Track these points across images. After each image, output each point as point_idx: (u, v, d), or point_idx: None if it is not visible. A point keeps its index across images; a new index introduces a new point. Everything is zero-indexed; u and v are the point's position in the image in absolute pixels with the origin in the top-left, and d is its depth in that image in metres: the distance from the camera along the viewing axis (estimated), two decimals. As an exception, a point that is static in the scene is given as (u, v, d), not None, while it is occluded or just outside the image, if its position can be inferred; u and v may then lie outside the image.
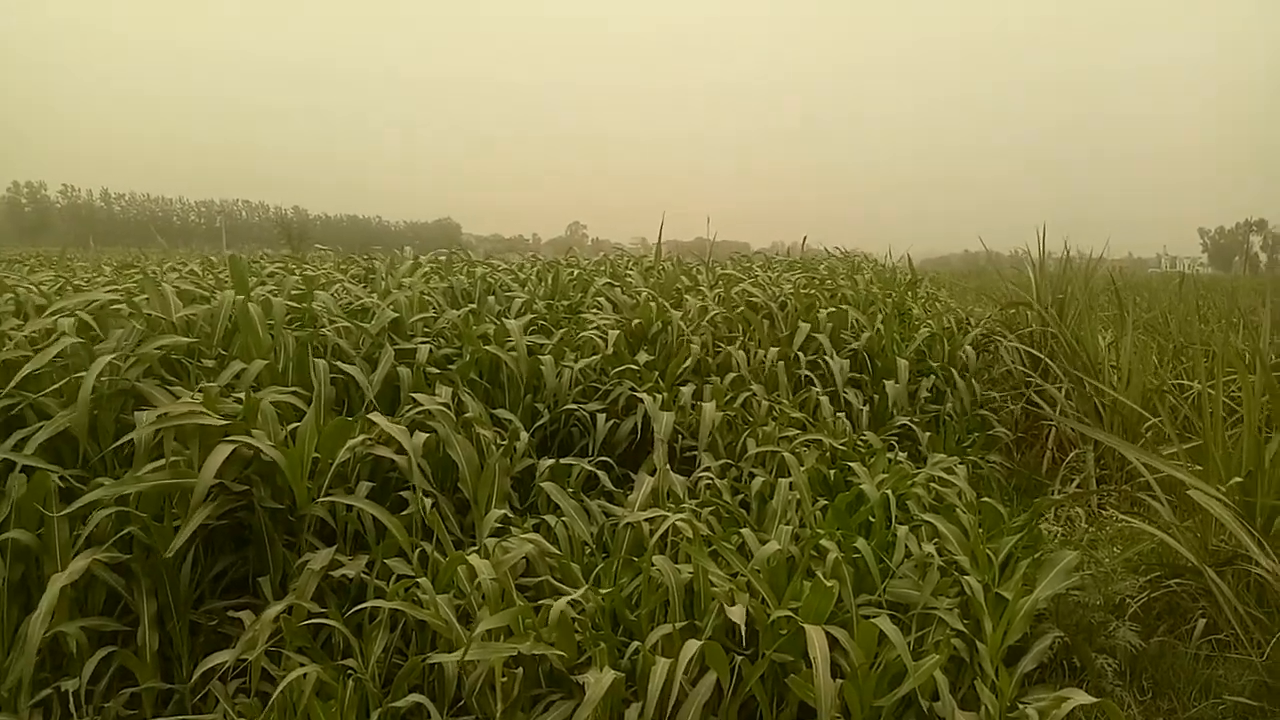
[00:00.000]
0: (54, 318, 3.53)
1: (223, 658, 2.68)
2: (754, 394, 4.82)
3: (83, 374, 3.14)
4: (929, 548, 3.18)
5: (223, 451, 2.86)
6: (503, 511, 3.30)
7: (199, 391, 3.30)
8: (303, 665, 2.59)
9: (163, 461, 2.99)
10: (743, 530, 3.19)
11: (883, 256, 11.49)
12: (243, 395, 3.32)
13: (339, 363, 3.93)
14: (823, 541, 3.09)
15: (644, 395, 4.38)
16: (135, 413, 3.13)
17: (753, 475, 3.98)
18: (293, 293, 4.64)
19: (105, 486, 2.87)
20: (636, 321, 5.29)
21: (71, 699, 2.74)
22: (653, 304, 5.50)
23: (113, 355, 3.24)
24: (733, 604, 2.69)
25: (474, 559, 2.74)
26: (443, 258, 7.79)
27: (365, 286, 5.64)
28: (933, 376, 5.96)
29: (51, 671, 2.82)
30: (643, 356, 4.91)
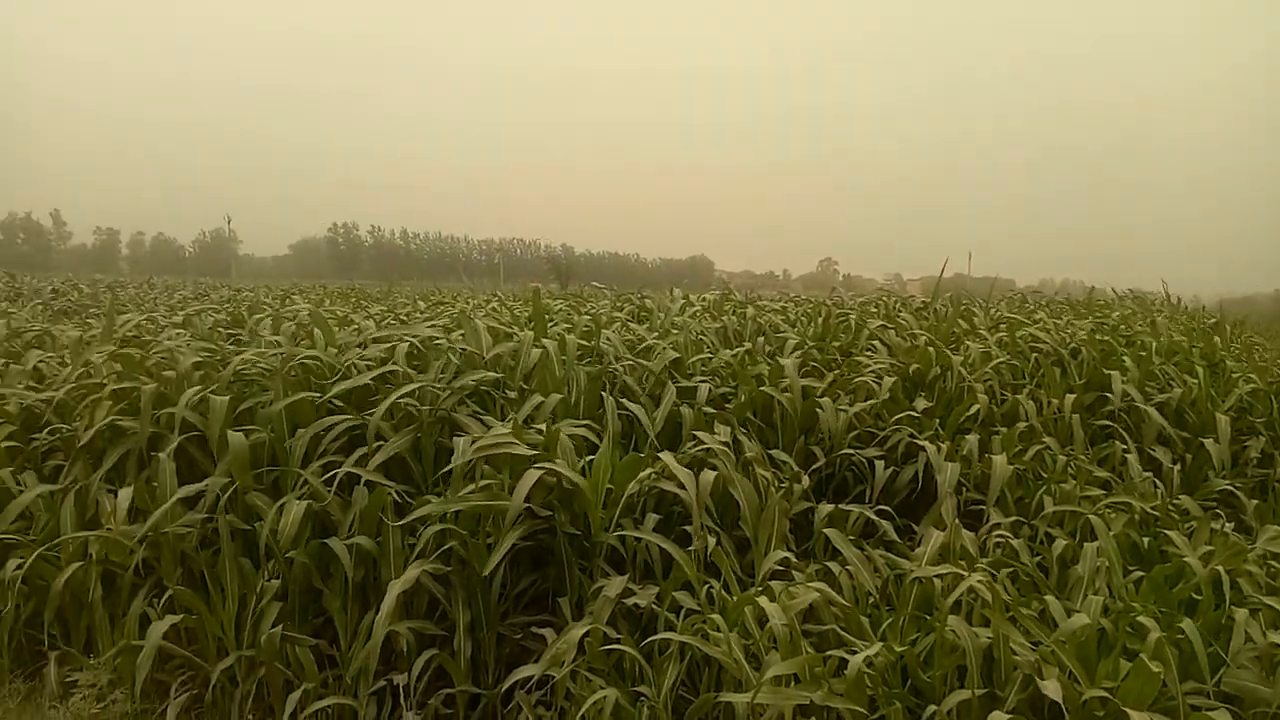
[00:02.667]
0: (389, 350, 4.00)
1: (530, 671, 2.89)
2: (1046, 447, 4.50)
3: (413, 403, 3.54)
4: (1275, 637, 2.79)
5: (531, 477, 3.10)
6: (784, 554, 3.30)
7: (507, 420, 3.61)
8: (602, 687, 2.73)
9: (477, 484, 3.29)
10: (1047, 598, 2.97)
11: (1164, 295, 10.39)
12: (543, 426, 3.59)
13: (624, 400, 4.14)
14: (1141, 618, 2.81)
15: (925, 443, 4.22)
16: (453, 438, 3.49)
17: (1049, 536, 3.71)
18: (582, 330, 4.97)
19: (433, 504, 3.21)
20: (915, 366, 5.12)
21: (401, 692, 3.08)
22: (930, 348, 5.30)
23: (438, 386, 3.62)
24: (1040, 676, 2.52)
25: (764, 602, 2.77)
26: (711, 297, 8.00)
27: (645, 325, 5.91)
28: (1259, 437, 5.25)
29: (382, 665, 3.18)
30: (921, 403, 4.74)
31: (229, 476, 3.49)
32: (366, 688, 3.10)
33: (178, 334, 5.13)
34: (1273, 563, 3.45)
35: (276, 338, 4.44)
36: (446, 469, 3.50)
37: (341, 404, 3.87)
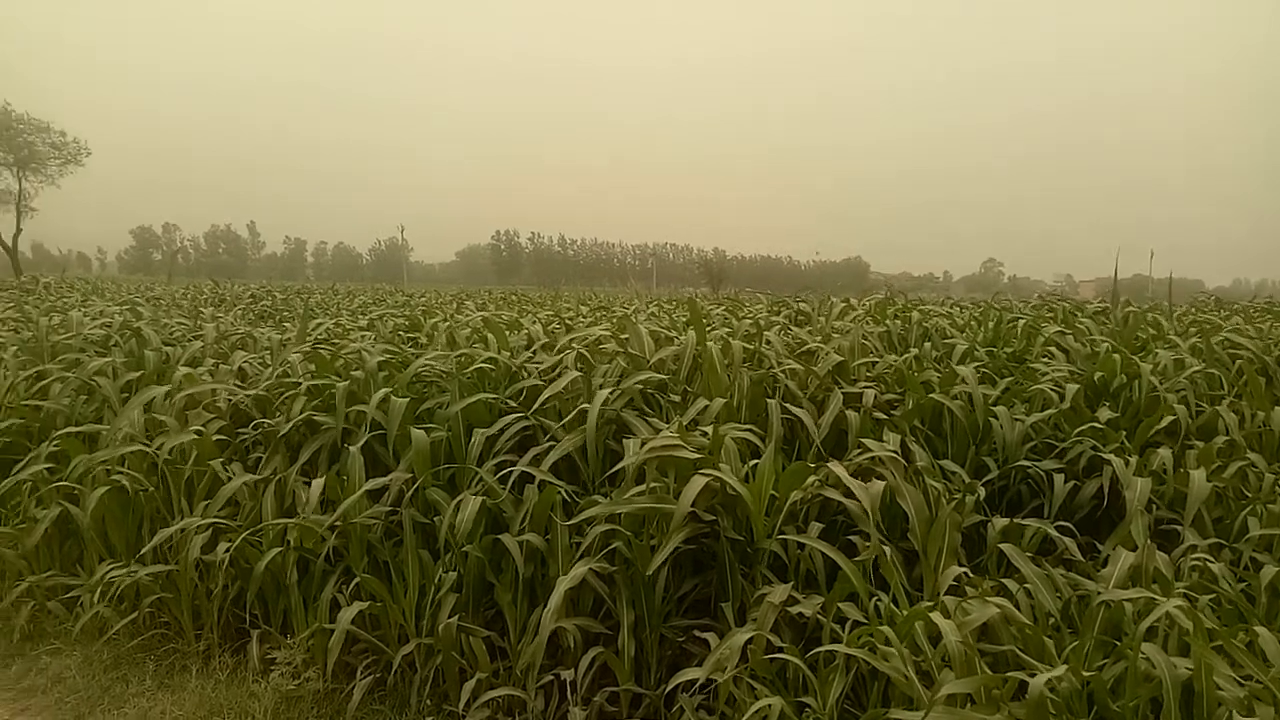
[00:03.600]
0: (559, 354, 4.13)
1: (693, 674, 2.90)
2: (1251, 464, 4.11)
3: (585, 405, 3.64)
4: None
5: (698, 483, 3.12)
6: (961, 569, 3.17)
7: (672, 423, 3.64)
8: (766, 695, 2.72)
9: (644, 487, 3.35)
10: (1255, 628, 2.72)
11: None
12: (708, 429, 3.60)
13: (787, 404, 4.10)
14: (1371, 657, 2.52)
15: (1110, 457, 3.95)
16: (622, 440, 3.56)
17: (1255, 561, 3.40)
18: (742, 334, 4.96)
19: (601, 505, 3.28)
20: (1100, 374, 4.81)
21: (568, 687, 3.17)
22: (1115, 355, 4.96)
23: (607, 390, 3.70)
24: (1251, 713, 2.31)
25: (937, 617, 2.67)
26: (872, 300, 7.80)
27: (805, 328, 5.84)
28: None
29: (549, 660, 3.28)
30: (1105, 413, 4.45)
31: (410, 472, 3.70)
32: (534, 681, 3.21)
33: (363, 336, 5.48)
34: None
35: (452, 342, 4.66)
36: (613, 469, 3.59)
37: (514, 404, 4.03)
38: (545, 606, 3.15)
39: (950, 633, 2.58)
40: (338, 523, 3.58)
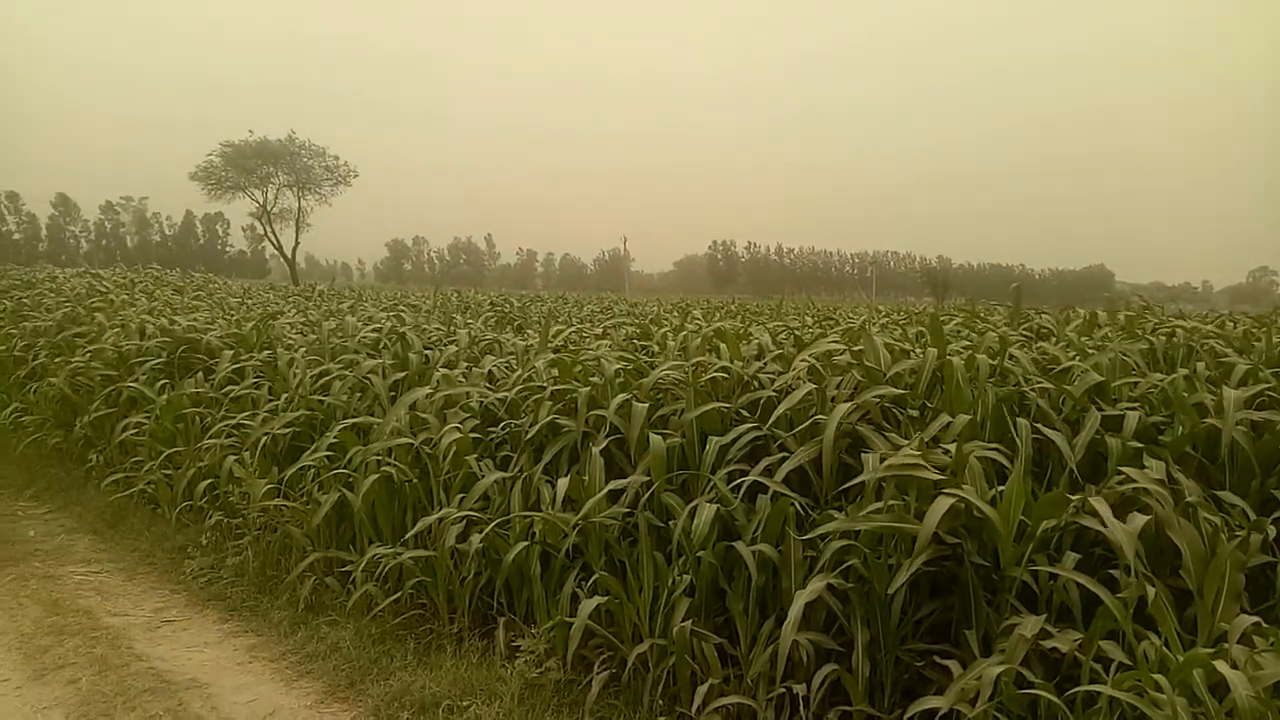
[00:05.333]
0: (794, 367, 4.12)
1: (936, 703, 2.79)
2: None
3: (820, 416, 3.61)
4: None
5: (943, 504, 3.00)
6: (1254, 620, 2.84)
7: (912, 439, 3.53)
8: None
9: (882, 504, 3.26)
10: None
11: None
12: (950, 447, 3.45)
13: (1038, 424, 3.85)
14: None
15: None
16: (860, 455, 3.49)
17: None
18: (985, 348, 4.71)
19: (838, 520, 3.24)
20: None
21: (800, 702, 3.15)
22: None
23: (847, 404, 3.65)
24: None
25: (1223, 666, 2.41)
26: (1129, 313, 7.16)
27: (1052, 343, 5.46)
28: None
29: (781, 672, 3.26)
30: None
31: (647, 475, 3.83)
32: (766, 692, 3.21)
33: (600, 344, 5.73)
34: None
35: (685, 350, 4.77)
36: (847, 485, 3.53)
37: (746, 414, 4.06)
38: (777, 617, 3.15)
39: (1240, 685, 2.32)
40: (579, 521, 3.76)
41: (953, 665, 2.96)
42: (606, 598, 3.57)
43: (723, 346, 4.59)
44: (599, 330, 6.86)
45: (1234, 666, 2.45)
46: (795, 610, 3.02)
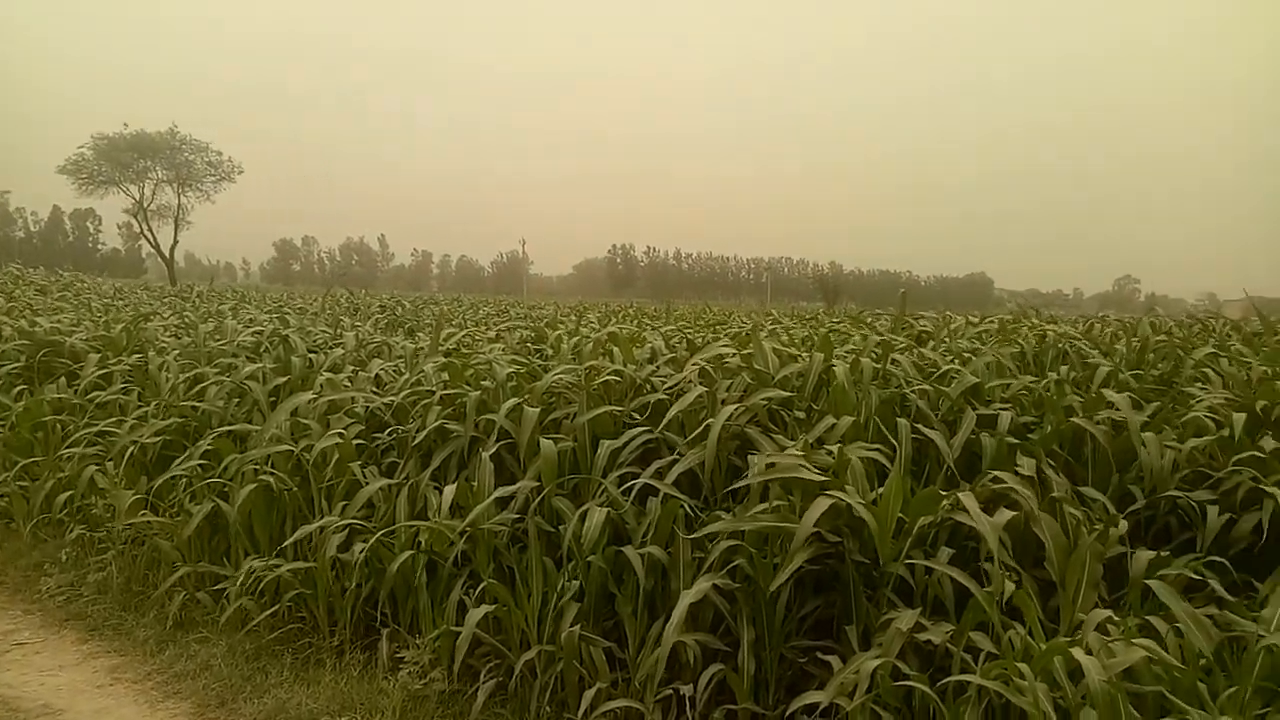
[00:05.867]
0: (687, 372, 4.15)
1: (817, 697, 2.86)
2: None
3: (710, 419, 3.64)
4: None
5: (822, 504, 3.07)
6: (1099, 604, 3.01)
7: (797, 441, 3.60)
8: (893, 724, 2.64)
9: (768, 505, 3.32)
10: None
11: None
12: (834, 448, 3.54)
13: (918, 425, 3.99)
14: None
15: (1273, 490, 3.67)
16: (747, 456, 3.54)
17: None
18: (872, 352, 4.86)
19: (725, 521, 3.28)
20: (1263, 403, 4.48)
21: (687, 703, 3.17)
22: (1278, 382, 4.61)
23: (733, 406, 3.70)
24: None
25: (1079, 653, 2.54)
26: (1004, 318, 7.52)
27: (932, 345, 5.68)
28: None
29: (667, 673, 3.28)
30: (1269, 443, 4.13)
31: (537, 480, 3.79)
32: (653, 694, 3.21)
33: (492, 348, 5.66)
34: None
35: (578, 354, 4.75)
36: (735, 485, 3.57)
37: (638, 417, 4.07)
38: (666, 620, 3.16)
39: (1094, 671, 2.45)
40: (467, 528, 3.69)
41: (834, 660, 3.03)
42: (494, 605, 3.51)
43: (616, 350, 4.59)
44: (492, 333, 6.77)
45: (1089, 653, 2.59)
46: (679, 611, 3.04)
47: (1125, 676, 2.76)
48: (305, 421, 4.65)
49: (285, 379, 5.54)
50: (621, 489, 3.67)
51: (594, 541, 3.41)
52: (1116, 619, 2.98)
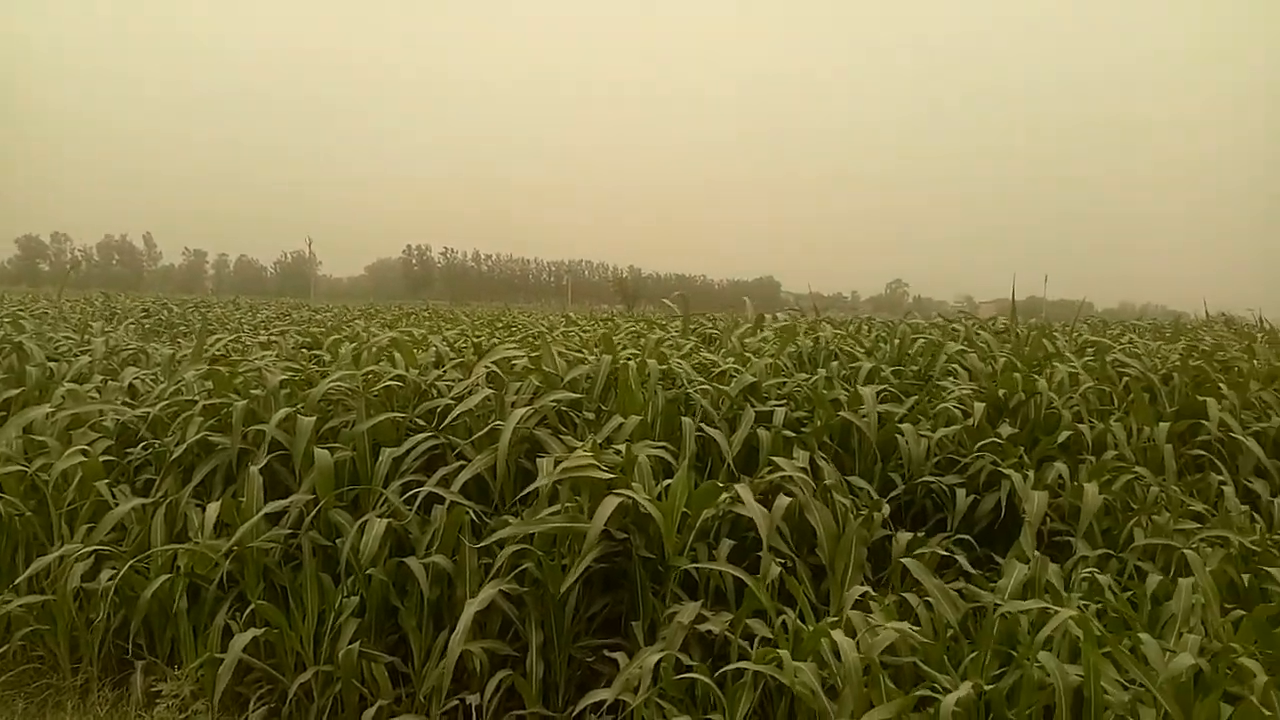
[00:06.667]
0: (475, 375, 4.06)
1: (602, 695, 2.88)
2: (1138, 477, 4.32)
3: (499, 422, 3.58)
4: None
5: (611, 503, 3.10)
6: (864, 589, 3.23)
7: (586, 442, 3.62)
8: (674, 715, 2.70)
9: (558, 506, 3.31)
10: (1140, 635, 2.84)
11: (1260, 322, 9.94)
12: (621, 447, 3.58)
13: (702, 423, 4.12)
14: (1242, 660, 2.67)
15: (1009, 471, 4.09)
16: (535, 459, 3.51)
17: (1139, 570, 3.56)
18: (660, 353, 4.97)
19: (513, 525, 3.23)
20: (1003, 391, 4.98)
21: (473, 712, 3.10)
22: (1016, 373, 5.15)
23: (524, 409, 3.66)
24: (1135, 717, 2.40)
25: (840, 636, 2.71)
26: (783, 319, 7.94)
27: (716, 346, 5.89)
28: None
29: (454, 684, 3.19)
30: (1005, 429, 4.61)
31: (313, 493, 3.58)
32: (439, 706, 3.12)
33: (264, 355, 5.29)
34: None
35: (358, 359, 4.54)
36: (525, 490, 3.53)
37: (423, 424, 3.94)
38: (452, 629, 3.08)
39: (849, 650, 2.63)
40: (234, 547, 3.43)
41: (621, 657, 3.07)
42: (265, 628, 3.28)
43: (398, 355, 4.42)
44: (262, 338, 6.33)
45: (851, 633, 2.77)
46: (465, 620, 2.97)
47: (885, 649, 2.99)
48: (42, 438, 4.15)
49: (19, 390, 4.91)
50: (405, 497, 3.54)
51: (373, 554, 3.26)
52: (876, 597, 3.21)
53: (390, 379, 4.09)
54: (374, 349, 4.68)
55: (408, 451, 3.74)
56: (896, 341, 6.62)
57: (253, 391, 4.29)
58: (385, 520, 3.35)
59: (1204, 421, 4.91)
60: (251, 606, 3.36)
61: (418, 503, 3.51)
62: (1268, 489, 4.63)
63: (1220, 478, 4.47)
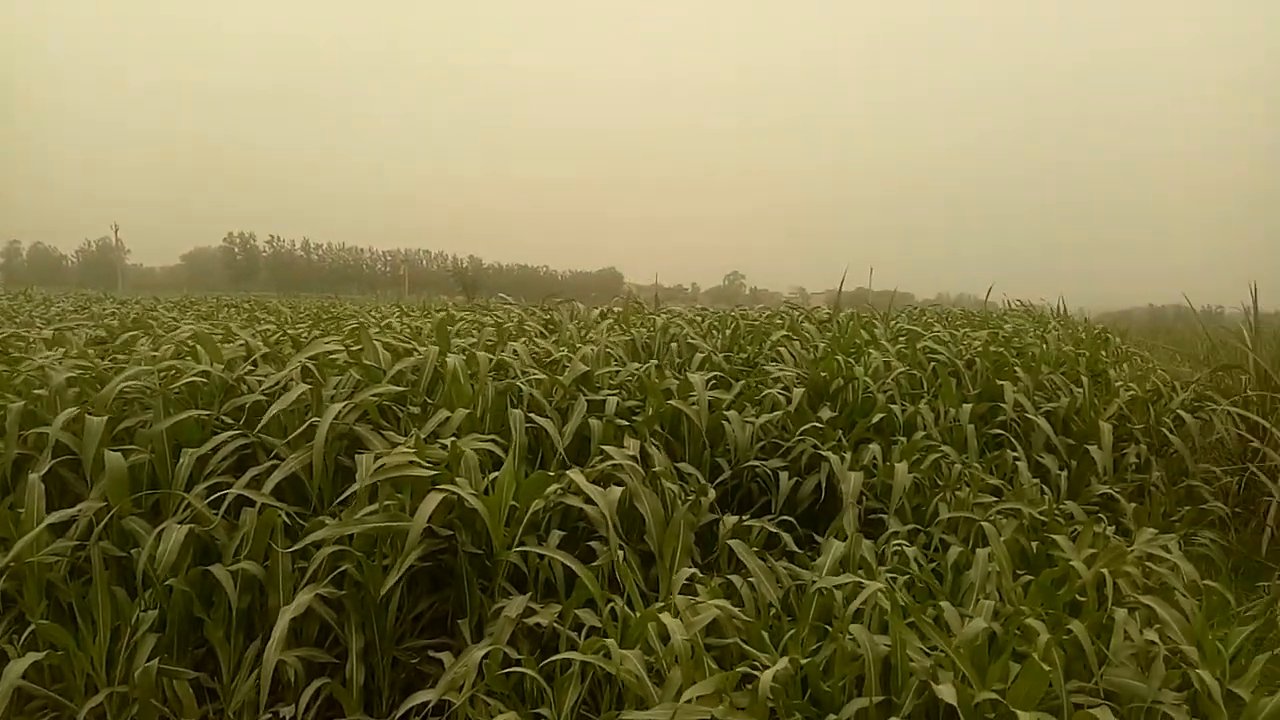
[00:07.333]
0: (289, 370, 3.84)
1: (425, 696, 2.79)
2: (944, 455, 4.62)
3: (315, 419, 3.40)
4: (1150, 634, 2.92)
5: (433, 500, 3.01)
6: (691, 571, 3.29)
7: (409, 437, 3.49)
8: (501, 711, 2.66)
9: (378, 505, 3.18)
10: (942, 604, 3.04)
11: (1060, 308, 10.95)
12: (447, 442, 3.49)
13: (533, 414, 4.07)
14: (1029, 621, 2.90)
15: (828, 454, 4.28)
16: (355, 456, 3.36)
17: (944, 543, 3.81)
18: (486, 343, 4.88)
19: (329, 526, 3.07)
20: (822, 375, 5.21)
21: (290, 724, 2.93)
22: (835, 359, 5.40)
23: (340, 405, 3.48)
24: (936, 681, 2.56)
25: (666, 618, 2.74)
26: (618, 309, 7.99)
27: (552, 338, 5.85)
28: (1137, 444, 5.54)
29: (269, 696, 3.02)
30: (825, 413, 4.82)
31: (105, 500, 3.28)
32: (252, 721, 2.94)
33: (52, 350, 4.81)
34: (1149, 564, 3.61)
35: (155, 355, 4.20)
36: (344, 489, 3.37)
37: (231, 422, 3.69)
38: (265, 639, 2.90)
39: (677, 632, 2.66)
40: (10, 563, 3.09)
41: (446, 656, 2.99)
42: (49, 651, 2.97)
43: (202, 350, 4.12)
44: (47, 333, 5.75)
45: (677, 616, 2.81)
46: (279, 629, 2.80)
47: (711, 632, 3.06)
48: None
49: None
50: (210, 501, 3.30)
51: (173, 563, 3.02)
52: (703, 580, 3.28)
53: (194, 374, 3.80)
54: (175, 343, 4.34)
55: (214, 452, 3.49)
56: (728, 331, 6.81)
57: (36, 392, 3.89)
58: (188, 526, 3.11)
59: (1001, 404, 5.32)
60: (32, 627, 3.04)
61: (225, 506, 3.28)
62: (1056, 463, 5.07)
63: (1015, 454, 4.85)
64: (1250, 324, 6.89)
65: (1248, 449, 5.81)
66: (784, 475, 4.26)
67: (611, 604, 3.04)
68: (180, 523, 3.13)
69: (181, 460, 3.42)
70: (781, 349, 5.96)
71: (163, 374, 3.79)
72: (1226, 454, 5.92)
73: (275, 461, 3.48)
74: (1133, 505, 4.77)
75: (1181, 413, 5.78)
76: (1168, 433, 5.68)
